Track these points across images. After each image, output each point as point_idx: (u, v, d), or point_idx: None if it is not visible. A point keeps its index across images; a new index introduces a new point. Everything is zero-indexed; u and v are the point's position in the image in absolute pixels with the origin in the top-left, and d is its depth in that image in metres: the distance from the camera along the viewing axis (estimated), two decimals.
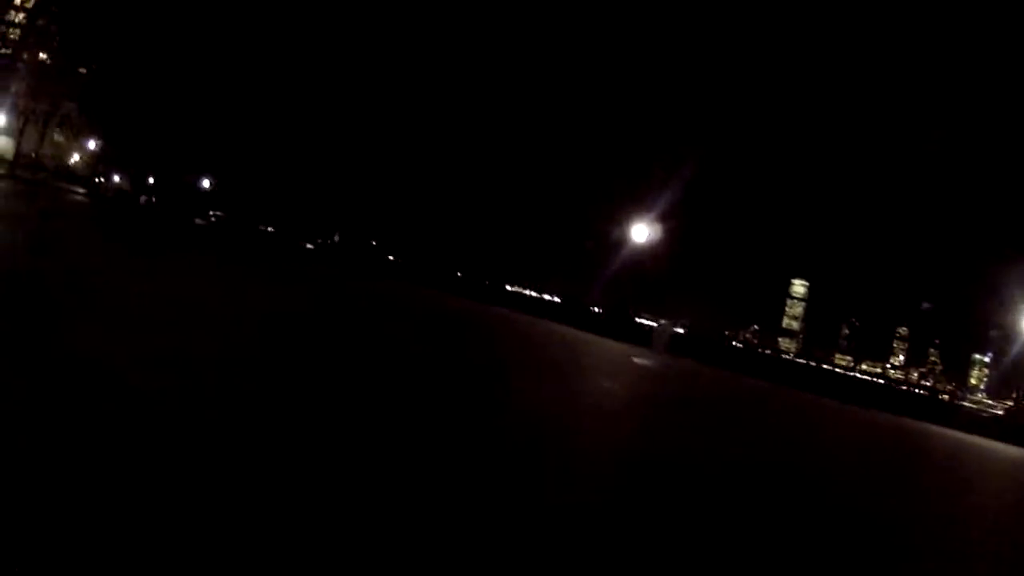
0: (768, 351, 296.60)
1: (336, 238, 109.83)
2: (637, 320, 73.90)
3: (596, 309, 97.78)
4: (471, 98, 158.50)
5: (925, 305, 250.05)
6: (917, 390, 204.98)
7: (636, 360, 29.15)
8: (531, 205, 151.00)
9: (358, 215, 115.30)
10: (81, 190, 62.72)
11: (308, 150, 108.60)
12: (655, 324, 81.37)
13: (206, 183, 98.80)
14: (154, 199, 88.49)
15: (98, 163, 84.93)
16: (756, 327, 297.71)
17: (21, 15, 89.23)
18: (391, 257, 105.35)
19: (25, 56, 79.06)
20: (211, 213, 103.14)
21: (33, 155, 73.17)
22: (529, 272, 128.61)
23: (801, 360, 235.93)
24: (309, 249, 78.95)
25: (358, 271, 53.52)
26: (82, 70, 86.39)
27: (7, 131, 71.19)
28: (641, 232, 60.51)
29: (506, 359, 18.78)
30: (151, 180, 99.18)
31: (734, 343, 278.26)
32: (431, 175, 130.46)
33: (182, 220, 67.81)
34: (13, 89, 70.12)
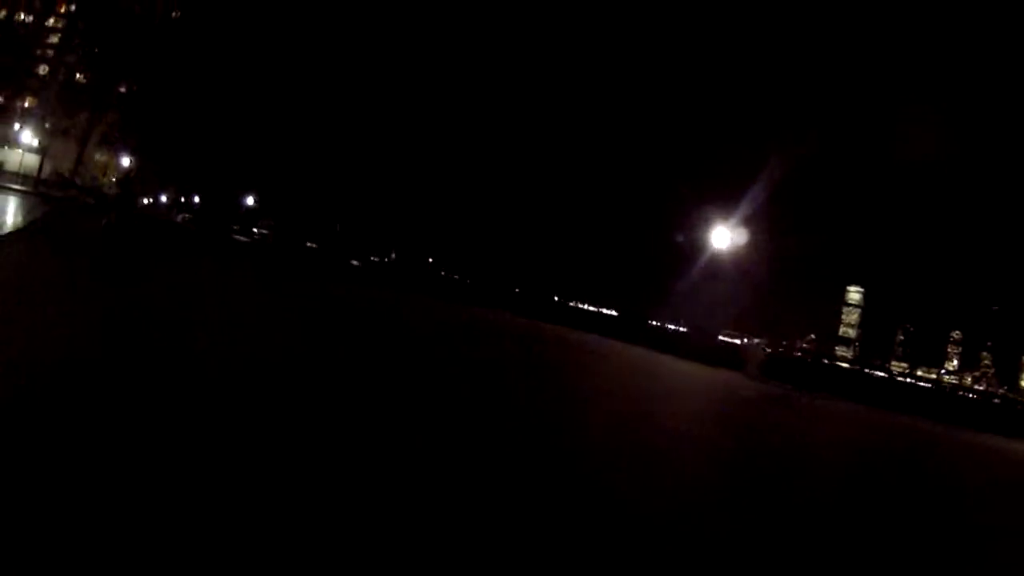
0: (827, 360, 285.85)
1: (392, 256, 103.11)
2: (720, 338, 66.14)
3: (673, 326, 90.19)
4: (530, 109, 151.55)
5: (994, 308, 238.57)
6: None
7: (744, 393, 23.86)
8: (592, 214, 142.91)
9: (413, 231, 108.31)
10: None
11: (360, 165, 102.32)
12: (738, 342, 74.41)
13: (250, 200, 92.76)
14: (187, 216, 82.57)
15: (134, 181, 79.46)
16: (813, 336, 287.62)
17: (55, 35, 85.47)
18: (449, 273, 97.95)
19: (57, 73, 74.44)
20: (255, 230, 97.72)
21: (66, 173, 68.26)
22: (589, 286, 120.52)
23: (904, 378, 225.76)
24: (361, 267, 72.41)
25: (424, 291, 46.44)
26: (120, 88, 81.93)
27: (35, 148, 67.25)
28: (722, 238, 52.79)
29: (599, 402, 13.27)
30: (196, 198, 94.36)
31: (797, 354, 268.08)
32: (488, 189, 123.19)
33: (221, 237, 61.94)
34: (39, 105, 66.10)
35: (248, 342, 9.83)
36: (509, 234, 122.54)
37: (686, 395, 19.69)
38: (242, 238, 78.34)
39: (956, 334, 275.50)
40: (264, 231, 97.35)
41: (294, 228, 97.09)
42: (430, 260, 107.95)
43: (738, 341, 78.45)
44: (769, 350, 69.37)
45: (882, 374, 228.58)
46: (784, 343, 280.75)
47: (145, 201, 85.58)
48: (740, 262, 67.24)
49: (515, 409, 9.53)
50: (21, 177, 54.12)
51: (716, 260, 58.84)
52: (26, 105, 74.47)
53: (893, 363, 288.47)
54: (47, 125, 68.34)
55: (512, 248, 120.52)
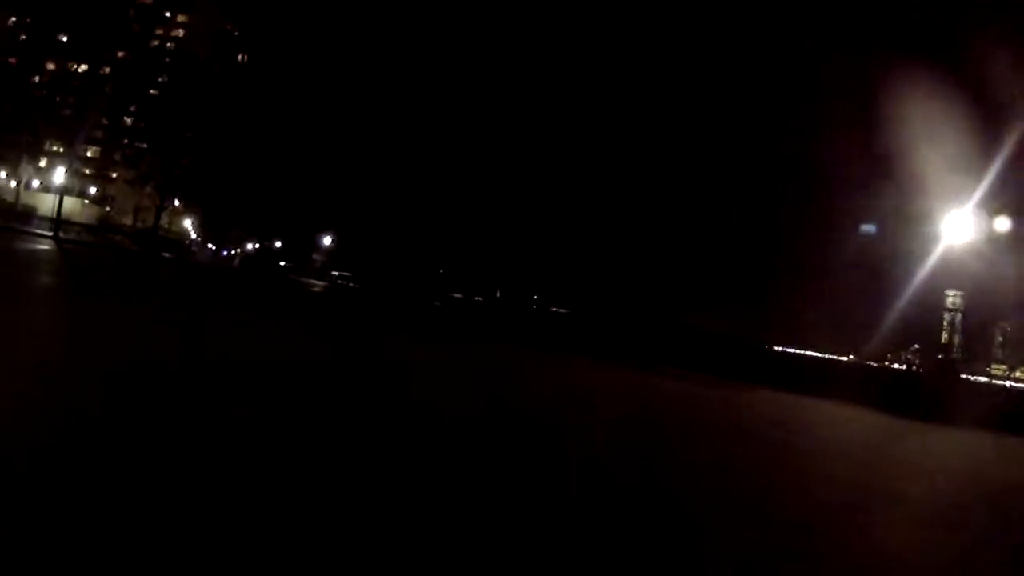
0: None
1: (497, 294, 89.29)
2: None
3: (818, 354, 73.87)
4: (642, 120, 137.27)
5: None
6: None
7: None
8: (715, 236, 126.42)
9: (518, 266, 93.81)
10: (167, 254, 45.49)
11: (460, 201, 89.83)
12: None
13: (327, 240, 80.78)
14: (239, 257, 70.53)
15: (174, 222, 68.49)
16: (917, 346, 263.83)
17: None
18: (558, 309, 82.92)
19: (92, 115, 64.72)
20: (335, 273, 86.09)
21: (111, 218, 58.24)
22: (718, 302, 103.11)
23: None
24: (475, 311, 59.78)
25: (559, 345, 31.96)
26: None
27: (78, 192, 57.57)
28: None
29: None
30: (253, 242, 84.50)
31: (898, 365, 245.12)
32: (593, 212, 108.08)
33: (287, 281, 49.96)
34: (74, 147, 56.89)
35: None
36: (613, 255, 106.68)
37: None
38: (318, 282, 66.87)
39: None
40: (345, 273, 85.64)
41: (379, 270, 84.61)
42: (535, 297, 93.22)
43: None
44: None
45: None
46: (888, 355, 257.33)
47: (210, 245, 74.39)
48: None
49: None
50: (51, 222, 43.35)
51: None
52: (61, 149, 65.29)
53: (993, 366, 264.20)
54: (87, 169, 60.21)
55: (619, 270, 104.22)
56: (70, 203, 53.75)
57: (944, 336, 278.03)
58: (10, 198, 47.97)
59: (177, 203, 54.07)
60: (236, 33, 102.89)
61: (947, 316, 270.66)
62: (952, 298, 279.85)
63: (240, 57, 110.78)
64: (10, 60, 64.40)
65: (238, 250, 77.21)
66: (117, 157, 74.12)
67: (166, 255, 45.40)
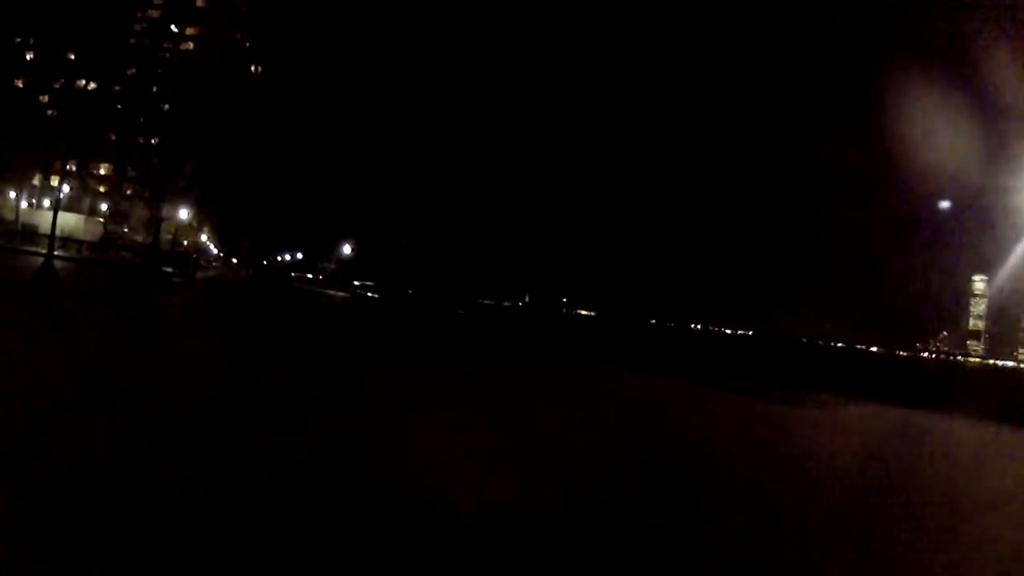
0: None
1: (527, 299, 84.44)
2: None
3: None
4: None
5: None
6: None
7: None
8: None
9: (545, 271, 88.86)
10: (169, 268, 41.58)
11: (488, 204, 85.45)
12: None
13: (347, 249, 76.65)
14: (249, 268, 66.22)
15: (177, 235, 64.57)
16: (945, 333, 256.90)
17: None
18: (587, 312, 77.87)
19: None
20: (356, 283, 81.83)
21: (113, 232, 54.67)
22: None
23: None
24: (516, 317, 55.16)
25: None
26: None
27: (88, 209, 53.96)
28: None
29: None
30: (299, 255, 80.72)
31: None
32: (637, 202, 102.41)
33: (300, 294, 45.80)
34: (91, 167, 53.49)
35: None
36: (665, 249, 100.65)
37: None
38: (341, 293, 62.67)
39: None
40: (368, 283, 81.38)
41: (407, 279, 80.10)
42: (564, 300, 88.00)
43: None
44: None
45: None
46: (918, 344, 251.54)
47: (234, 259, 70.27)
48: None
49: None
50: (46, 239, 39.70)
51: None
52: (72, 167, 61.77)
53: (1021, 351, 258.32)
54: (101, 187, 56.74)
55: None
56: (73, 220, 50.15)
57: (972, 323, 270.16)
58: (21, 217, 44.39)
59: (185, 215, 50.01)
60: (248, 43, 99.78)
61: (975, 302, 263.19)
62: (978, 283, 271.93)
63: (254, 67, 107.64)
64: (16, 81, 61.19)
65: (266, 262, 73.40)
66: (131, 173, 70.76)
67: (168, 270, 41.38)
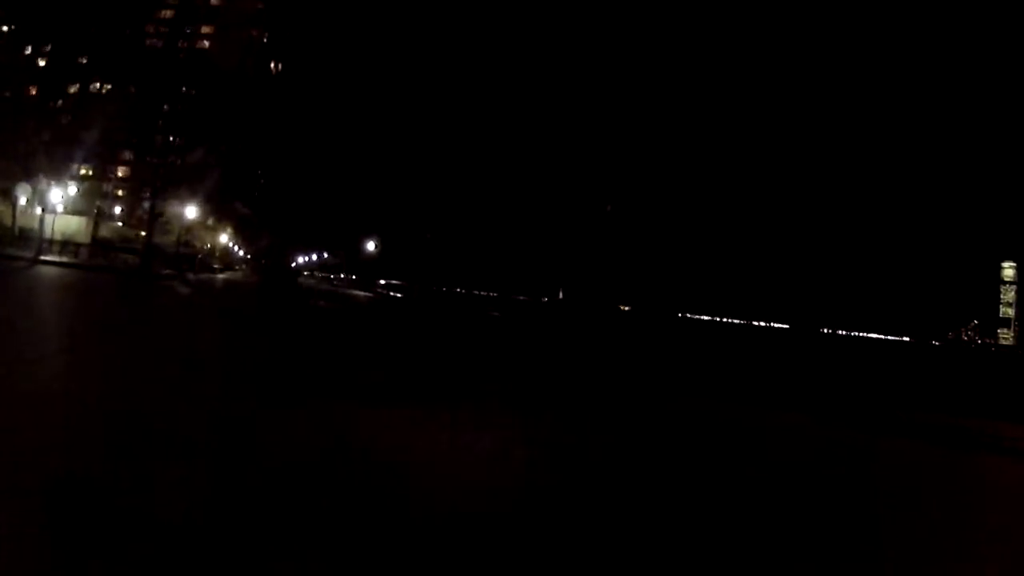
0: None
1: (560, 295, 78.91)
2: None
3: None
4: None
5: None
6: None
7: None
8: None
9: (580, 266, 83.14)
10: (168, 271, 37.50)
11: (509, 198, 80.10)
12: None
13: (371, 246, 71.90)
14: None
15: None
16: (976, 322, 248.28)
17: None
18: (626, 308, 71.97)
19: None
20: (380, 282, 77.13)
21: (109, 235, 50.53)
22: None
23: None
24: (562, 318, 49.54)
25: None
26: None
27: (97, 212, 50.01)
28: None
29: None
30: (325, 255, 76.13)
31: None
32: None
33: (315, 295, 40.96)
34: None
35: None
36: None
37: None
38: (365, 293, 58.01)
39: None
40: (394, 282, 76.61)
41: (435, 278, 74.92)
42: (597, 296, 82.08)
43: None
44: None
45: None
46: (949, 334, 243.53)
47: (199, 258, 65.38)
48: None
49: None
50: (49, 244, 35.77)
51: None
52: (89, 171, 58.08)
53: None
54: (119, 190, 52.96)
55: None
56: (75, 222, 46.11)
57: (1003, 310, 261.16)
58: (19, 220, 40.43)
59: (192, 214, 45.71)
60: (264, 41, 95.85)
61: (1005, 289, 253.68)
62: (1007, 269, 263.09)
63: (273, 65, 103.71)
64: (29, 89, 57.37)
65: (267, 262, 68.69)
66: (142, 174, 66.96)
67: (165, 272, 37.04)
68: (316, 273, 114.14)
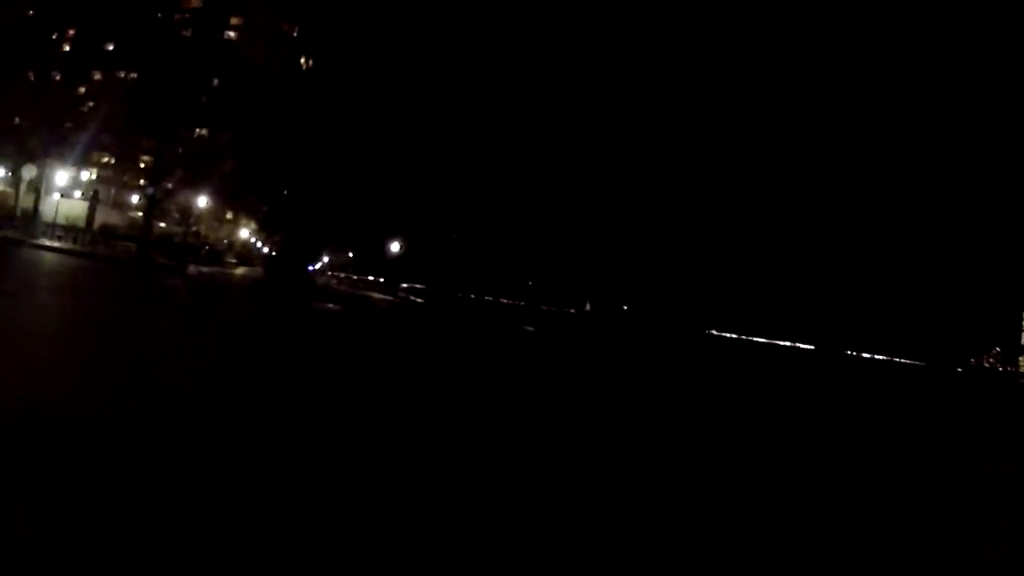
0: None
1: (587, 306, 73.60)
2: None
3: None
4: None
5: None
6: None
7: None
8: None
9: (608, 275, 77.77)
10: (168, 261, 33.89)
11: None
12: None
13: (395, 246, 67.69)
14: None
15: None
16: (998, 349, 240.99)
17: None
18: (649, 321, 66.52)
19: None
20: (403, 285, 72.86)
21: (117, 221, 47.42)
22: None
23: None
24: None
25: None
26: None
27: (86, 194, 46.79)
28: None
29: None
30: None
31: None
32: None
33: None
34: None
35: None
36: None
37: None
38: (387, 296, 53.81)
39: None
40: (417, 285, 72.22)
41: (461, 283, 70.14)
42: (624, 307, 76.14)
43: None
44: None
45: None
46: (972, 361, 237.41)
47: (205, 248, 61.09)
48: None
49: None
50: (47, 227, 32.58)
51: None
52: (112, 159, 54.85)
53: None
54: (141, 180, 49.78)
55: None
56: (79, 207, 42.57)
57: None
58: (21, 203, 37.33)
59: (203, 204, 42.09)
60: (295, 34, 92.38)
61: None
62: None
63: (304, 60, 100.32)
64: (54, 75, 54.20)
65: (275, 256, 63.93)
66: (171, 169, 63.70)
67: (164, 263, 33.33)
68: (339, 274, 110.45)
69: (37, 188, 33.30)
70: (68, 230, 35.38)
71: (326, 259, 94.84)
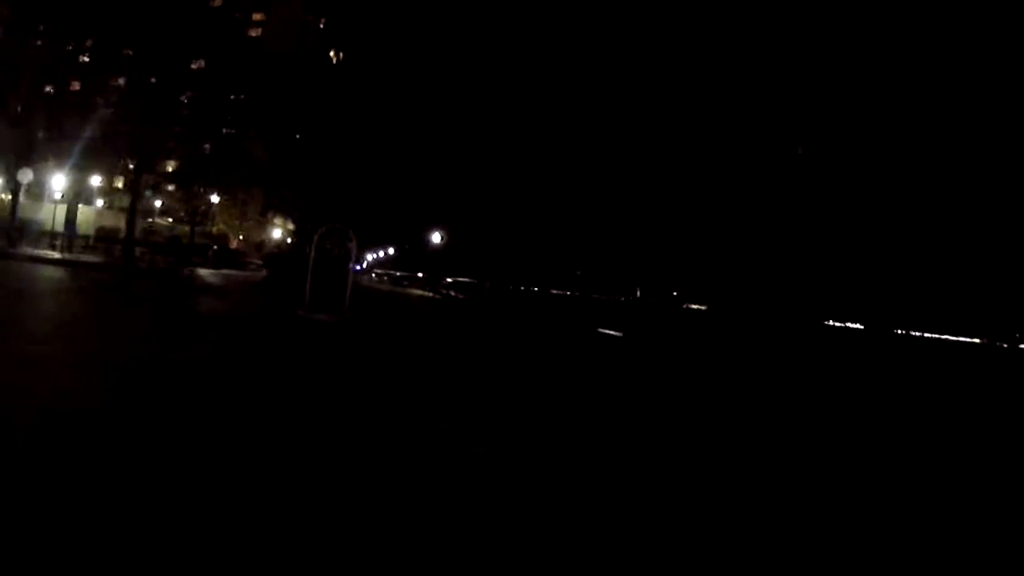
0: None
1: (637, 293, 66.82)
2: None
3: None
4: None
5: None
6: None
7: None
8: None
9: (658, 261, 70.44)
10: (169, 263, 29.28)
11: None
12: None
13: (435, 238, 62.07)
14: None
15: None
16: None
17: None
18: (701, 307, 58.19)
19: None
20: (446, 280, 67.19)
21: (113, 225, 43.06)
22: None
23: None
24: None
25: None
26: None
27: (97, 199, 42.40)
28: None
29: None
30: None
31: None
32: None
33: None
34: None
35: None
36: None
37: None
38: (422, 293, 48.27)
39: None
40: (463, 279, 66.35)
41: (509, 276, 63.49)
42: (674, 293, 68.68)
43: None
44: None
45: None
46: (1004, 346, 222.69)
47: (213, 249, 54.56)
48: None
49: None
50: (43, 235, 28.36)
51: None
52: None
53: None
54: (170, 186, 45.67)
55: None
56: (85, 212, 38.28)
57: None
58: (35, 212, 33.13)
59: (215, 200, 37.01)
60: (321, 27, 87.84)
61: None
62: None
63: (334, 54, 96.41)
64: (73, 84, 50.15)
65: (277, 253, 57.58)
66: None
67: (161, 267, 28.63)
68: (377, 271, 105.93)
69: (16, 193, 28.93)
70: (61, 236, 31.13)
71: (369, 257, 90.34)
